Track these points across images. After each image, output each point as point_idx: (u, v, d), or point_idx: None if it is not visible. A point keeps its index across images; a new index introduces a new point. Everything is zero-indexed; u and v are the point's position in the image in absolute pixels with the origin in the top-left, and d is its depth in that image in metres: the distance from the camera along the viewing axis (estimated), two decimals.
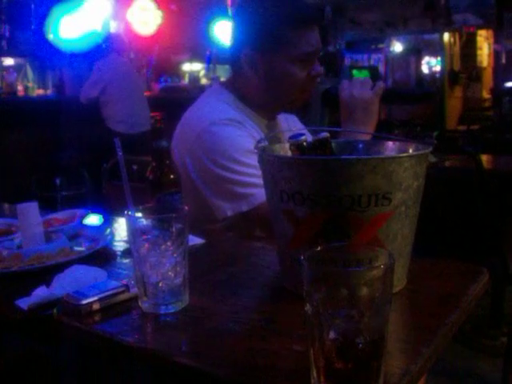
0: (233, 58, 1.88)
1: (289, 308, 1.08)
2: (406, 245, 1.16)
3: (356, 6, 10.70)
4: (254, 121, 1.85)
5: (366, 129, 1.77)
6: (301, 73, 1.78)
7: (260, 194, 1.62)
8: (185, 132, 1.84)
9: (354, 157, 1.11)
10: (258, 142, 1.23)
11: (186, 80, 9.21)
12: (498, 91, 10.27)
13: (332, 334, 0.75)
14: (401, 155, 1.16)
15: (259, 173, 1.66)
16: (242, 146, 1.69)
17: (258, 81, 1.82)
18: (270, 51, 1.77)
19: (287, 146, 1.28)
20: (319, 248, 0.83)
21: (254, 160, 1.61)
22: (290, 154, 1.27)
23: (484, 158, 3.39)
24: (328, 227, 1.06)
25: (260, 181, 1.66)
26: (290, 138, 1.27)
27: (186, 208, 1.12)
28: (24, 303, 1.09)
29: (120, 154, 1.23)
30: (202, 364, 0.88)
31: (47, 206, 1.85)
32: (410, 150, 1.24)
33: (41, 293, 1.13)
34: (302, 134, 1.25)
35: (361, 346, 0.75)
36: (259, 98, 1.86)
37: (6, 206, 2.10)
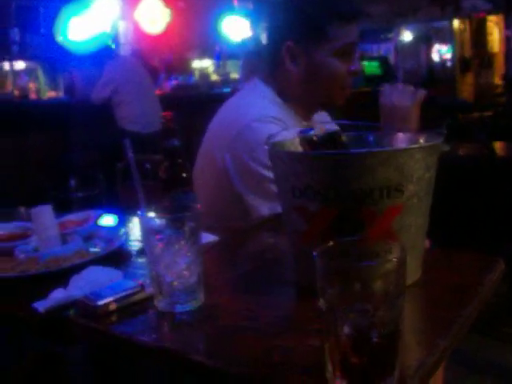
0: (272, 50, 1.86)
1: (303, 303, 1.08)
2: (420, 236, 1.16)
3: None
4: (292, 119, 1.82)
5: None
6: (341, 67, 1.77)
7: None
8: (225, 127, 1.82)
9: (365, 150, 1.11)
10: (268, 138, 1.23)
11: (196, 77, 9.22)
12: (509, 77, 10.19)
13: (347, 329, 0.75)
14: (411, 147, 1.16)
15: None
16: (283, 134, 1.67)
17: (298, 74, 1.80)
18: (313, 44, 1.76)
19: (298, 141, 1.28)
20: (331, 243, 0.83)
21: None
22: (300, 149, 1.27)
23: (497, 144, 3.38)
24: (341, 221, 1.06)
25: None
26: (300, 132, 1.27)
27: (199, 206, 1.12)
28: (41, 306, 1.10)
29: (130, 155, 1.24)
30: (218, 362, 0.89)
31: (62, 208, 1.86)
32: (421, 141, 1.23)
33: (58, 295, 1.13)
34: (312, 129, 1.25)
35: (376, 339, 0.75)
36: (297, 92, 1.84)
37: (22, 209, 2.11)
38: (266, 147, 1.64)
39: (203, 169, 1.88)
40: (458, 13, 10.61)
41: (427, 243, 1.76)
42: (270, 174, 1.64)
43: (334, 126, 1.87)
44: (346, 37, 1.76)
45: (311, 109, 1.89)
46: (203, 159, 1.89)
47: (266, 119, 1.73)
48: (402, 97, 1.76)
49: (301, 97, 1.85)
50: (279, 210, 1.61)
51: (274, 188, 1.61)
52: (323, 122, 1.91)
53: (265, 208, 1.68)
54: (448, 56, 11.12)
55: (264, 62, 1.92)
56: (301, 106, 1.86)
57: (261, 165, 1.67)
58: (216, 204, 1.83)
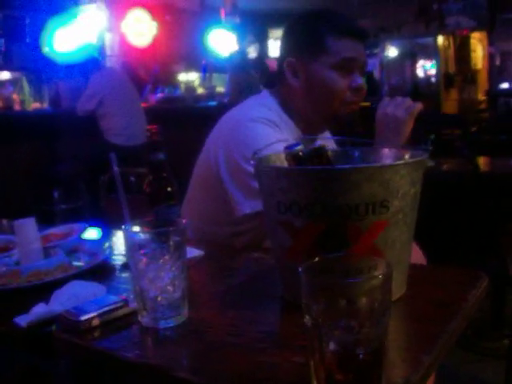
0: (278, 67, 1.91)
1: (288, 319, 1.07)
2: (405, 251, 1.16)
3: (350, 13, 10.71)
4: (291, 130, 1.84)
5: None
6: (340, 80, 1.78)
7: None
8: (222, 126, 1.86)
9: (350, 166, 1.11)
10: (254, 153, 1.23)
11: (182, 90, 9.21)
12: (493, 93, 10.29)
13: (332, 345, 0.75)
14: (397, 163, 1.16)
15: None
16: (274, 147, 1.69)
17: (299, 88, 1.83)
18: (312, 57, 1.80)
19: (283, 156, 1.28)
20: (317, 259, 0.82)
21: None
22: (286, 164, 1.27)
23: (481, 160, 3.40)
24: (326, 237, 1.06)
25: None
26: (286, 148, 1.27)
27: (184, 221, 1.12)
28: (23, 320, 1.09)
29: (115, 168, 1.23)
30: (202, 378, 0.88)
31: (45, 220, 1.85)
32: (406, 157, 1.24)
33: (40, 310, 1.12)
34: (298, 144, 1.25)
35: (361, 356, 0.75)
36: (300, 106, 1.86)
37: (5, 222, 2.09)
38: (256, 144, 1.64)
39: (199, 175, 1.91)
40: (442, 29, 10.71)
41: (424, 260, 1.78)
42: None
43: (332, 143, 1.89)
44: (345, 51, 1.77)
45: (316, 126, 1.90)
46: (200, 166, 1.91)
47: (260, 120, 1.76)
48: (396, 109, 1.76)
49: (303, 111, 1.86)
50: (260, 207, 1.63)
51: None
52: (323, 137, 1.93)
53: (246, 205, 1.68)
54: (432, 72, 11.20)
55: (275, 78, 1.96)
56: (304, 122, 1.88)
57: (247, 161, 1.67)
58: (210, 209, 1.86)
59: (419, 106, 1.77)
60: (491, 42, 10.53)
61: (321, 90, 1.80)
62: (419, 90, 11.03)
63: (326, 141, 2.00)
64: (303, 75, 1.82)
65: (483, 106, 10.84)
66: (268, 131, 1.73)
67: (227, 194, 1.74)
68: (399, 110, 1.75)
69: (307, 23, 1.84)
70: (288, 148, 1.26)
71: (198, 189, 1.90)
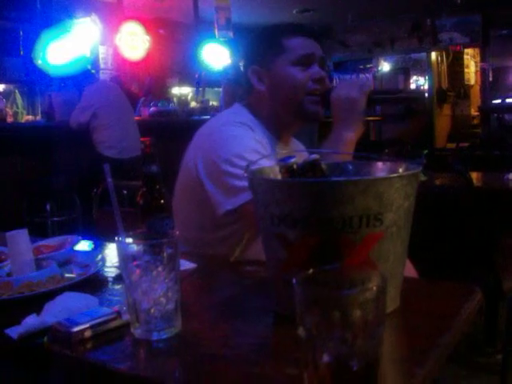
0: (244, 78, 1.99)
1: (281, 331, 1.07)
2: (399, 265, 1.16)
3: (344, 28, 10.79)
4: (266, 136, 1.89)
5: (350, 127, 1.84)
6: (300, 74, 1.87)
7: None
8: (198, 136, 1.92)
9: (344, 178, 1.11)
10: (247, 165, 1.23)
11: (175, 104, 9.21)
12: (485, 108, 10.34)
13: (326, 358, 0.75)
14: (391, 176, 1.16)
15: None
16: (248, 145, 1.75)
17: (266, 91, 1.91)
18: (272, 58, 1.89)
19: (277, 169, 1.28)
20: (311, 271, 0.82)
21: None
22: (280, 177, 1.27)
23: (473, 175, 3.41)
24: (320, 249, 1.05)
25: None
26: (280, 160, 1.27)
27: (177, 233, 1.11)
28: (14, 332, 1.08)
29: (109, 180, 1.22)
30: None
31: (38, 232, 1.84)
32: (400, 170, 1.24)
33: (31, 321, 1.11)
34: (292, 157, 1.25)
35: (355, 368, 0.75)
36: (270, 110, 1.93)
37: None
38: (232, 144, 1.74)
39: (181, 185, 1.93)
40: (435, 45, 10.77)
41: (415, 273, 1.80)
42: (233, 170, 1.69)
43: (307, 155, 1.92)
44: (302, 48, 1.89)
45: (288, 127, 1.98)
46: (181, 177, 1.94)
47: (233, 123, 1.83)
48: (349, 89, 1.88)
49: (274, 114, 1.93)
50: (240, 201, 1.65)
51: (237, 183, 1.66)
52: (298, 150, 1.98)
53: (228, 203, 1.71)
54: (425, 87, 11.26)
55: (243, 90, 2.05)
56: (276, 126, 1.94)
57: (225, 161, 1.73)
58: (193, 217, 1.88)
59: (369, 84, 1.94)
60: (484, 57, 10.60)
61: (284, 85, 1.89)
62: (412, 104, 11.07)
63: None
64: (267, 78, 1.91)
65: (476, 121, 10.91)
66: (241, 132, 1.80)
67: (208, 197, 1.76)
68: (351, 89, 1.88)
69: (264, 32, 1.98)
70: (282, 160, 1.26)
71: (181, 198, 1.92)
